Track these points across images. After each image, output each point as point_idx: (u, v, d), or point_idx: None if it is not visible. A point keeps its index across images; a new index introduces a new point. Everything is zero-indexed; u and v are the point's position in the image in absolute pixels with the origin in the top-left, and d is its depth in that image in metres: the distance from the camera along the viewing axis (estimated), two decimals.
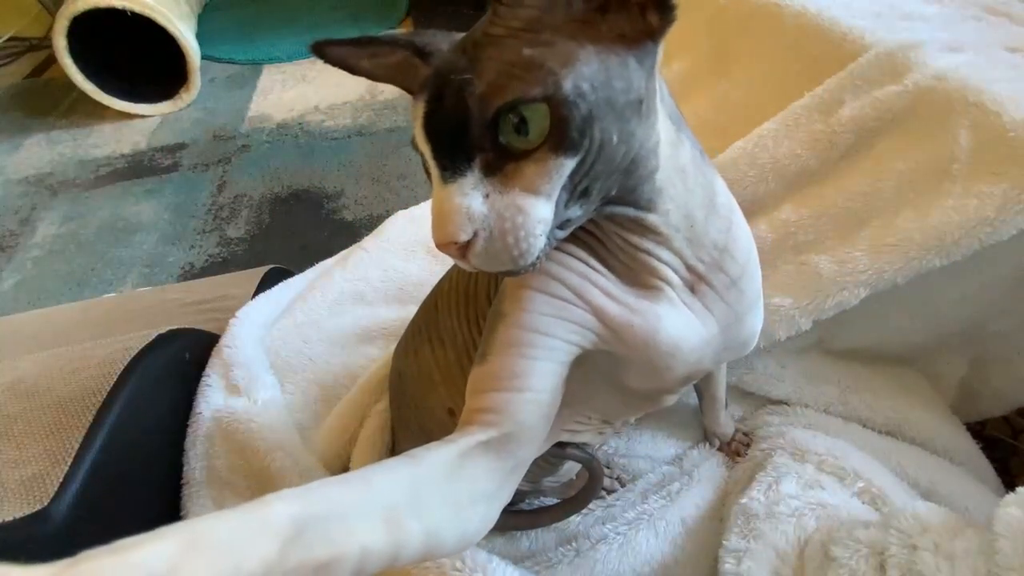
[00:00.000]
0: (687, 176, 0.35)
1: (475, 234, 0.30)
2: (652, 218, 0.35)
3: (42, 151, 1.79)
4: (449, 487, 0.32)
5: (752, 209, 0.64)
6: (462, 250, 0.31)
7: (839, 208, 0.59)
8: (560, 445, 0.49)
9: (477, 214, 0.30)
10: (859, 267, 0.55)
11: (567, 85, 0.28)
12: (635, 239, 0.36)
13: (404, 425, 0.56)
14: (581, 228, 0.36)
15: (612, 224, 0.35)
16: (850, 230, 0.58)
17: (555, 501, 0.59)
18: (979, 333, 0.63)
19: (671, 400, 0.48)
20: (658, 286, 0.37)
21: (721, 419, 0.61)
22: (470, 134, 0.30)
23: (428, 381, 0.50)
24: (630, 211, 0.34)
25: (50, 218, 1.55)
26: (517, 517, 0.57)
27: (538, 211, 0.30)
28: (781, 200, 0.63)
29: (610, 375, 0.41)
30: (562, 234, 0.33)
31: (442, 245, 0.31)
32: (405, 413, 0.55)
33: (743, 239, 0.39)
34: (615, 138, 0.30)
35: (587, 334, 0.37)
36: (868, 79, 0.60)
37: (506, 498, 0.36)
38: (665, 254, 0.36)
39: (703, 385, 0.59)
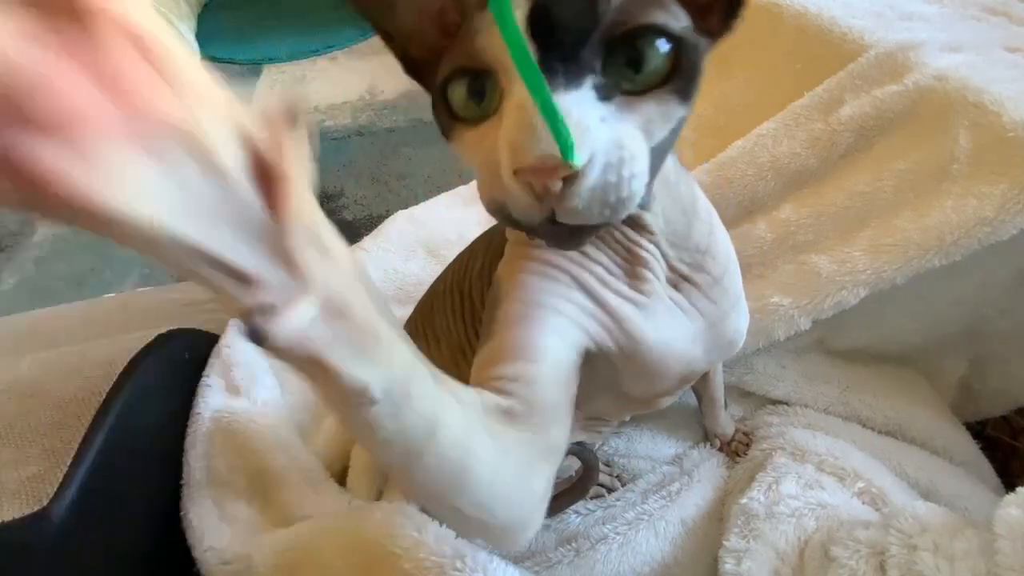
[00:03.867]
0: (670, 184, 0.36)
1: (590, 161, 0.25)
2: (647, 216, 0.35)
3: None
4: (488, 435, 0.29)
5: (751, 208, 0.64)
6: (567, 179, 0.24)
7: (839, 208, 0.59)
8: None
9: (598, 137, 0.25)
10: (858, 267, 0.55)
11: (692, 36, 0.27)
12: (632, 234, 0.36)
13: None
14: None
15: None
16: (849, 230, 0.58)
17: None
18: (979, 333, 0.63)
19: (668, 402, 0.48)
20: (648, 280, 0.37)
21: (720, 419, 0.61)
22: (586, 46, 0.26)
23: None
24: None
25: None
26: None
27: (647, 156, 0.26)
28: (780, 200, 0.63)
29: (608, 383, 0.40)
30: None
31: (544, 170, 0.24)
32: None
33: (723, 241, 0.40)
34: (686, 114, 0.29)
35: (589, 322, 0.36)
36: (868, 79, 0.60)
37: (545, 485, 0.32)
38: (655, 252, 0.37)
39: (701, 387, 0.59)
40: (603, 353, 0.37)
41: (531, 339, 0.33)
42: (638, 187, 0.26)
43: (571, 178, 0.25)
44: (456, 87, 0.29)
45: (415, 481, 0.26)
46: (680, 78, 0.27)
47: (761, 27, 0.73)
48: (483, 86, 0.28)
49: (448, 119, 0.31)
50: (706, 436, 0.64)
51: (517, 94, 0.26)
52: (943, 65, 0.56)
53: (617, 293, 0.36)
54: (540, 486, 0.32)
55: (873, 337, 0.65)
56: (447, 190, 1.06)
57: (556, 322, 0.34)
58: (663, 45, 0.26)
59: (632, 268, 0.37)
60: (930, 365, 0.67)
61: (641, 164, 0.26)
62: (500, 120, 0.27)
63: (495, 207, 0.29)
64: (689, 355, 0.40)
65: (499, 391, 0.32)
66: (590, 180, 0.25)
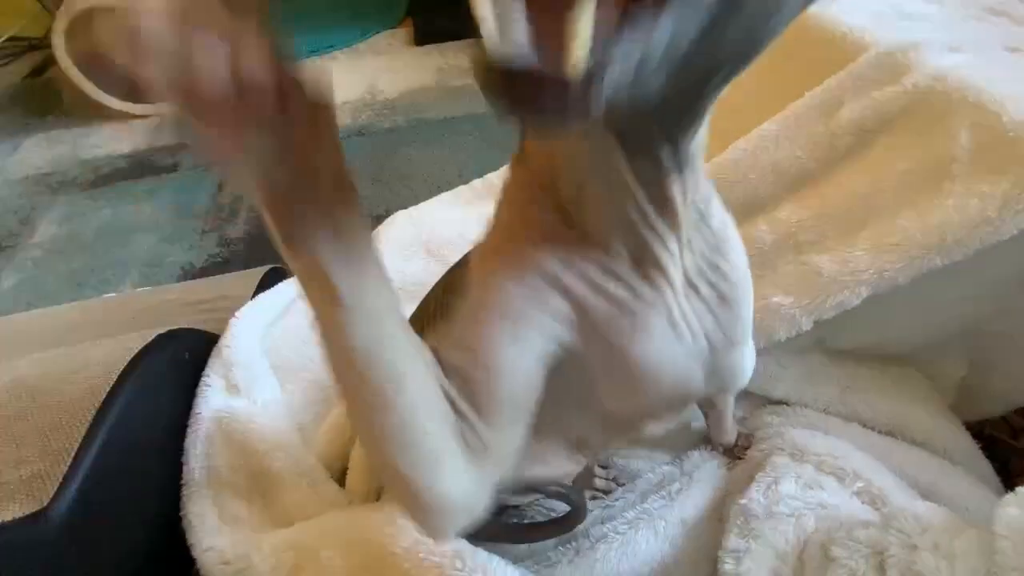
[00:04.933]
0: (696, 171, 0.32)
1: None
2: (675, 189, 0.30)
3: (42, 151, 1.79)
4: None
5: (752, 210, 0.64)
6: None
7: (840, 208, 0.59)
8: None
9: None
10: (860, 266, 0.55)
11: None
12: (654, 217, 0.31)
13: None
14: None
15: (647, 168, 0.29)
16: (851, 230, 0.58)
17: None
18: (980, 333, 0.63)
19: (657, 429, 0.45)
20: (659, 286, 0.33)
21: (727, 430, 0.61)
22: None
23: None
24: (671, 162, 0.29)
25: (50, 218, 1.54)
26: (508, 531, 0.57)
27: None
28: (781, 200, 0.63)
29: (585, 399, 0.37)
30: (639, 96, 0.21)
31: None
32: None
33: (736, 260, 0.37)
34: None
35: (565, 329, 0.33)
36: (868, 79, 0.60)
37: (475, 480, 0.31)
38: (672, 244, 0.32)
39: (708, 407, 0.58)
40: (579, 364, 0.34)
41: (490, 345, 0.32)
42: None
43: None
44: None
45: (352, 388, 0.28)
46: None
47: None
48: None
49: None
50: (707, 439, 0.64)
51: None
52: (943, 65, 0.56)
53: (609, 298, 0.33)
54: (470, 476, 0.31)
55: (874, 337, 0.65)
56: (447, 190, 1.06)
57: (523, 332, 0.32)
58: None
59: (644, 270, 0.33)
60: (931, 365, 0.67)
61: None
62: None
63: None
64: (687, 375, 0.36)
65: (447, 375, 0.31)
66: None
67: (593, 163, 0.30)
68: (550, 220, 0.33)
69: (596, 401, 0.37)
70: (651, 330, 0.34)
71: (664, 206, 0.31)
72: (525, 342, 0.32)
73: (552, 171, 0.32)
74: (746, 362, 0.41)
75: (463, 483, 0.30)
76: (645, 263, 0.33)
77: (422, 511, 0.30)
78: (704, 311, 0.36)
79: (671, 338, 0.35)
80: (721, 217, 0.36)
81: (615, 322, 0.33)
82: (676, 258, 0.33)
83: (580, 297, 0.33)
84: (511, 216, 0.35)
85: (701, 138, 0.30)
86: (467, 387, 0.31)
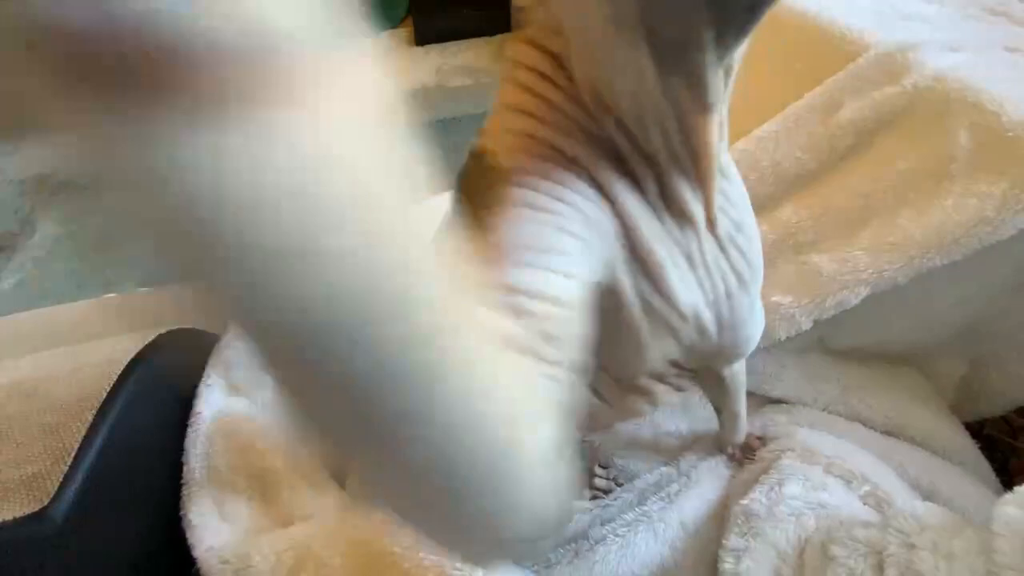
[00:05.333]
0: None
1: None
2: (709, 119, 0.26)
3: (42, 151, 1.79)
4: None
5: (752, 210, 0.64)
6: None
7: (839, 208, 0.59)
8: None
9: None
10: (859, 265, 0.55)
11: None
12: (680, 148, 0.27)
13: None
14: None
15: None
16: (851, 230, 0.58)
17: None
18: (979, 333, 0.63)
19: (660, 397, 0.43)
20: (680, 219, 0.30)
21: (741, 425, 0.59)
22: None
23: None
24: (712, 83, 0.26)
25: (50, 218, 1.54)
26: None
27: None
28: (781, 201, 0.63)
29: (594, 346, 0.33)
30: None
31: None
32: None
33: (738, 201, 0.35)
34: None
35: (614, 249, 0.27)
36: (867, 79, 0.60)
37: (559, 452, 0.20)
38: (696, 182, 0.30)
39: (721, 401, 0.57)
40: (608, 302, 0.29)
41: (556, 239, 0.23)
42: None
43: None
44: None
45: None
46: None
47: (760, 27, 0.73)
48: None
49: None
50: (716, 444, 0.62)
51: None
52: (943, 65, 0.56)
53: (648, 222, 0.29)
54: (554, 451, 0.19)
55: (874, 337, 0.65)
56: (447, 190, 1.06)
57: (582, 228, 0.24)
58: None
59: (669, 200, 0.29)
60: (930, 365, 0.67)
61: None
62: None
63: None
64: (704, 319, 0.34)
65: (507, 309, 0.21)
66: None
67: (617, 72, 0.24)
68: (574, 113, 0.26)
69: (606, 350, 0.32)
70: (678, 266, 0.30)
71: (694, 138, 0.27)
72: (589, 243, 0.25)
73: (568, 61, 0.26)
74: (755, 315, 0.39)
75: (552, 467, 0.19)
76: (669, 195, 0.29)
77: (512, 532, 0.18)
78: (717, 252, 0.34)
79: (690, 278, 0.32)
80: (727, 157, 0.34)
81: (656, 252, 0.28)
82: (700, 195, 0.30)
83: (630, 218, 0.27)
84: (524, 103, 0.28)
85: (733, 73, 0.27)
86: (547, 316, 0.22)
